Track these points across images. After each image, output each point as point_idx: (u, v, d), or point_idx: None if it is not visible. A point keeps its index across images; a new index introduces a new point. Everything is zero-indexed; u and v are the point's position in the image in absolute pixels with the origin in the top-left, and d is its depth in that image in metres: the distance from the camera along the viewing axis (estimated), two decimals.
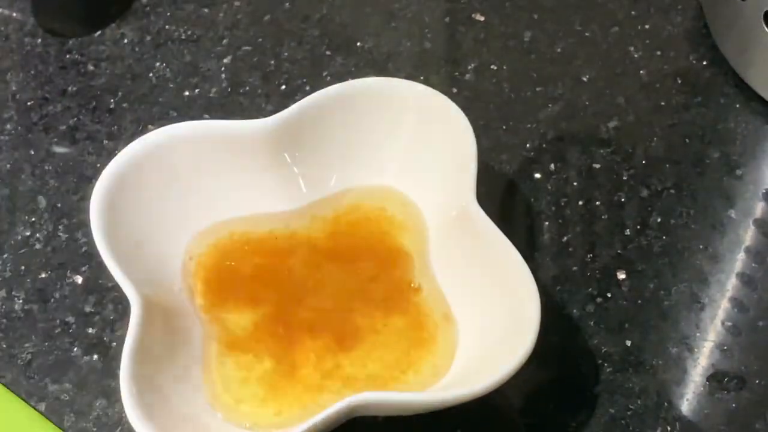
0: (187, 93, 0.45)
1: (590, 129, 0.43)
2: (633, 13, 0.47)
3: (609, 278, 0.39)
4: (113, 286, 0.38)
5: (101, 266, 0.35)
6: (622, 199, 0.41)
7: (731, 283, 0.39)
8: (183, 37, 0.47)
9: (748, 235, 0.40)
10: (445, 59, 0.46)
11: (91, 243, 0.36)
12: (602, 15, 0.47)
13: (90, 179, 0.42)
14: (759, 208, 0.41)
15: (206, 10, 0.48)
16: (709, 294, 0.38)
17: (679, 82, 0.44)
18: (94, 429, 0.36)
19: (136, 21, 0.48)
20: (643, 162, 0.42)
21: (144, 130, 0.42)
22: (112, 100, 0.45)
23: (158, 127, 0.38)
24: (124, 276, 0.34)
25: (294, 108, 0.38)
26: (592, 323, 0.38)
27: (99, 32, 0.47)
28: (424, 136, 0.38)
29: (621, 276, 0.39)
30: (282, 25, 0.47)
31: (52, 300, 0.39)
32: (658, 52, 0.46)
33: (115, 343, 0.38)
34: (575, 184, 0.41)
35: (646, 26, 0.47)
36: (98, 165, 0.42)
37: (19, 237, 0.41)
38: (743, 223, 0.40)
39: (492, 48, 0.46)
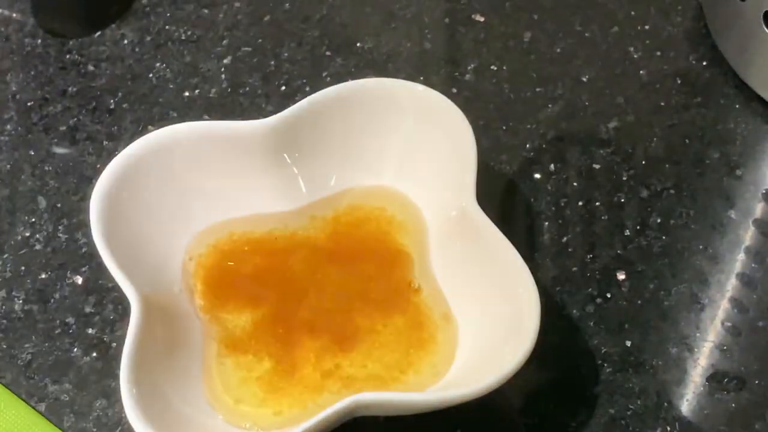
0: (187, 93, 0.45)
1: (590, 129, 0.43)
2: (633, 13, 0.47)
3: (609, 279, 0.39)
4: (113, 286, 0.38)
5: (101, 267, 0.35)
6: (622, 200, 0.41)
7: (731, 284, 0.39)
8: (183, 38, 0.47)
9: (748, 235, 0.40)
10: (445, 60, 0.46)
11: (91, 243, 0.36)
12: (602, 15, 0.47)
13: (90, 179, 0.42)
14: (759, 209, 0.41)
15: (206, 10, 0.48)
16: (709, 294, 0.38)
17: (679, 82, 0.44)
18: (94, 429, 0.36)
19: (136, 21, 0.48)
20: (643, 162, 0.42)
21: (144, 131, 0.42)
22: (112, 101, 0.45)
23: (158, 128, 0.38)
24: (124, 276, 0.34)
25: (294, 108, 0.38)
26: (591, 324, 0.38)
27: (99, 33, 0.47)
28: (424, 136, 0.38)
29: (621, 276, 0.39)
30: (282, 26, 0.47)
31: (52, 300, 0.39)
32: (658, 53, 0.46)
33: (115, 344, 0.38)
34: (575, 184, 0.41)
35: (646, 26, 0.47)
36: (98, 165, 0.42)
37: (19, 237, 0.41)
38: (743, 223, 0.40)
39: (492, 48, 0.46)
